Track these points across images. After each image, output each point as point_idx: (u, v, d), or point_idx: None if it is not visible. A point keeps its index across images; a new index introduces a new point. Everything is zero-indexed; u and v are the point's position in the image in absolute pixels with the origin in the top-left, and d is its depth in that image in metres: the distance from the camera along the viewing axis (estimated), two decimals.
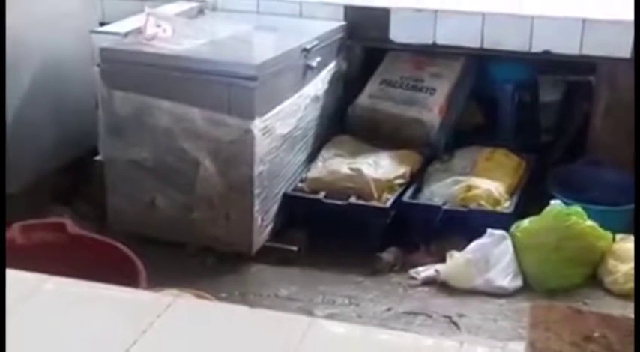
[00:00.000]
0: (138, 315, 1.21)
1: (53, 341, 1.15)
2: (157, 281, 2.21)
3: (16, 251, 2.13)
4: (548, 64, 3.32)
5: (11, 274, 1.33)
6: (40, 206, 3.00)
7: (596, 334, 0.95)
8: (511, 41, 3.17)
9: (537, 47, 3.14)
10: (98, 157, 3.04)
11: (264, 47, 3.11)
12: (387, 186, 2.97)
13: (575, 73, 3.45)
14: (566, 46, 3.11)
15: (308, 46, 3.02)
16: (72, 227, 2.32)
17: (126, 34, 2.98)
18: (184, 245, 2.87)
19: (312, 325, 1.18)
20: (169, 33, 2.95)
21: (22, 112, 2.99)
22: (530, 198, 2.98)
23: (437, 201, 2.94)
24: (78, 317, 1.23)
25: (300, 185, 3.05)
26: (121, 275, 1.90)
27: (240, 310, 1.28)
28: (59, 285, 1.31)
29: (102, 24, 3.23)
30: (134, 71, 2.80)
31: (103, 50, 2.84)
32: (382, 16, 3.28)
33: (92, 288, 1.31)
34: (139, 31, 2.97)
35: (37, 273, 1.33)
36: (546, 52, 3.15)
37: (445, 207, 2.89)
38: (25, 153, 3.03)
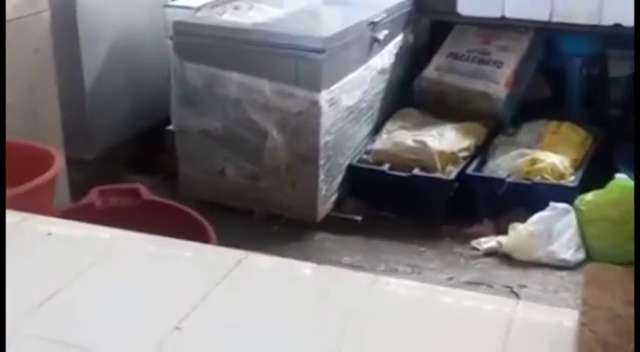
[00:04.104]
0: (210, 270, 1.27)
1: (129, 295, 1.22)
2: (226, 245, 2.27)
3: (95, 214, 2.23)
4: (619, 37, 3.27)
5: (90, 233, 1.41)
6: (114, 173, 3.10)
7: None
8: (581, 14, 3.12)
9: (608, 20, 3.09)
10: (170, 127, 3.13)
11: (332, 20, 3.15)
12: (451, 158, 2.99)
13: None
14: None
15: (375, 20, 3.05)
16: (146, 193, 2.41)
17: (198, 8, 3.06)
18: (252, 212, 2.96)
19: (375, 282, 1.23)
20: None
21: (99, 83, 3.10)
22: (595, 173, 2.95)
23: (501, 173, 2.95)
24: (152, 272, 1.29)
25: (364, 156, 3.09)
26: (192, 239, 1.96)
27: (307, 266, 1.34)
28: (134, 242, 1.38)
29: None
30: (205, 44, 2.87)
31: (175, 23, 2.92)
32: None
33: (166, 246, 1.38)
34: (210, 5, 3.05)
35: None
36: (617, 25, 3.10)
37: (509, 180, 2.89)
38: (100, 123, 3.14)
